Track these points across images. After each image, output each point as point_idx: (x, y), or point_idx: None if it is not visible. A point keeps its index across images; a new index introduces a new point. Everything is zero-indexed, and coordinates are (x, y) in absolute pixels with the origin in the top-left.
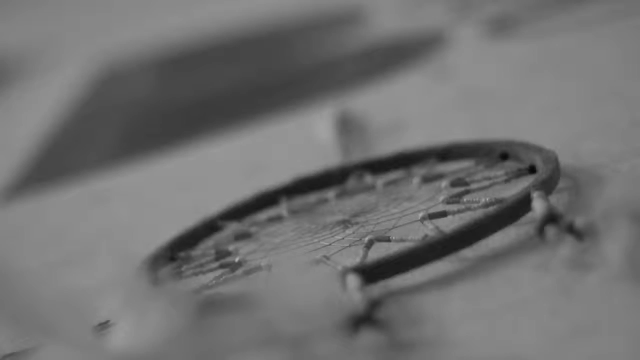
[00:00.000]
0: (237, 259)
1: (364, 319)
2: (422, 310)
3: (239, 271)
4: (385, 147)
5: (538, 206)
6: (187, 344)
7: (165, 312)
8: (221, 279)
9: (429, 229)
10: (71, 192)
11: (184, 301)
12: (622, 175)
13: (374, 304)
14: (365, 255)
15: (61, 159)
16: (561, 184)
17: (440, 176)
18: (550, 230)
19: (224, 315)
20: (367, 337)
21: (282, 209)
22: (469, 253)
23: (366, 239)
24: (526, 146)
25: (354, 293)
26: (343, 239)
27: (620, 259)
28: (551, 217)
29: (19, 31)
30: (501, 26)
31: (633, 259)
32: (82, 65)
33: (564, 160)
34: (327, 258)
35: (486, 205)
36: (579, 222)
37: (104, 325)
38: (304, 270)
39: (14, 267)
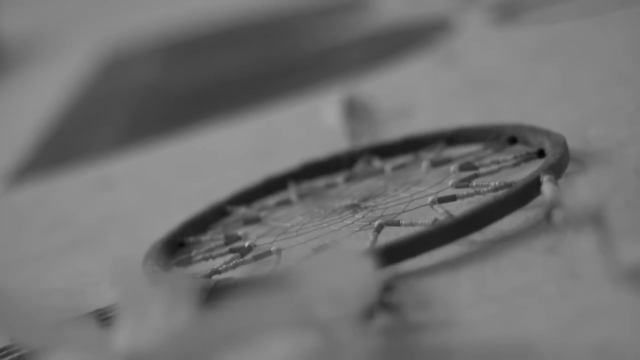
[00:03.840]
0: (246, 244)
1: (377, 302)
2: (432, 293)
3: (249, 256)
4: (393, 132)
5: (548, 190)
6: (190, 339)
7: (167, 308)
8: (231, 263)
9: (439, 213)
10: (77, 177)
11: (188, 290)
12: (583, 180)
13: (386, 288)
14: (375, 240)
15: (67, 144)
16: (569, 168)
17: (448, 160)
18: (559, 214)
19: (252, 298)
20: (380, 321)
21: (290, 193)
22: (478, 237)
23: (376, 223)
24: (534, 130)
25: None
26: (352, 223)
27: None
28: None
29: (25, 16)
30: (508, 12)
31: (601, 257)
32: (88, 50)
33: (572, 144)
34: (337, 242)
35: (495, 189)
36: (557, 215)
37: (103, 312)
38: (334, 253)
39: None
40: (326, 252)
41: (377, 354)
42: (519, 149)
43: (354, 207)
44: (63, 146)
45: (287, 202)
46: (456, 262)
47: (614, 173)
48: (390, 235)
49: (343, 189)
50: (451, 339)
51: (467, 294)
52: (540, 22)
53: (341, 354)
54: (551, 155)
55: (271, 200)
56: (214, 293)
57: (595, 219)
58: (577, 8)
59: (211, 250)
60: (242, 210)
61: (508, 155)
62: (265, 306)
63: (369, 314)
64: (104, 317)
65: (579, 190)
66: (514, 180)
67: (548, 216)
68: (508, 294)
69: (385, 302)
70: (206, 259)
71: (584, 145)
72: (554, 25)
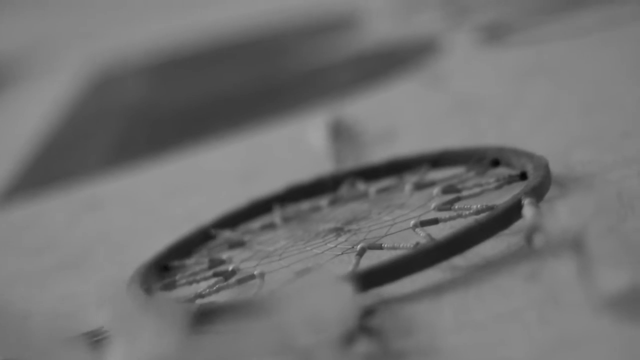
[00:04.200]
0: (230, 268)
1: (358, 327)
2: (414, 319)
3: (233, 280)
4: (378, 155)
5: (528, 213)
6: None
7: (157, 330)
8: (215, 287)
9: (421, 237)
10: (65, 197)
11: (176, 315)
12: (564, 205)
13: (367, 313)
14: (357, 263)
15: (55, 163)
16: (552, 192)
17: (432, 183)
18: (539, 238)
19: (234, 323)
20: (361, 346)
21: (275, 216)
22: (460, 262)
23: (358, 247)
24: (517, 152)
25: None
26: (335, 246)
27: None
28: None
29: (12, 34)
30: (495, 33)
31: (580, 284)
32: (76, 69)
33: (556, 168)
34: (319, 266)
35: (477, 212)
36: (538, 239)
37: (94, 334)
38: (314, 278)
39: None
40: (306, 277)
41: None
42: (502, 171)
43: (338, 231)
44: (51, 166)
45: (271, 226)
46: (438, 287)
47: (596, 198)
48: (372, 259)
49: (327, 212)
50: None
51: (448, 319)
52: (528, 43)
53: None
54: (533, 178)
55: (256, 224)
56: (197, 317)
57: (576, 245)
58: (564, 30)
59: (195, 274)
60: (227, 234)
61: (491, 178)
62: (246, 333)
63: (349, 339)
64: (94, 340)
65: (560, 215)
66: (495, 203)
67: (529, 240)
68: (489, 320)
69: (365, 327)
70: (190, 283)
71: (567, 170)
72: (540, 47)
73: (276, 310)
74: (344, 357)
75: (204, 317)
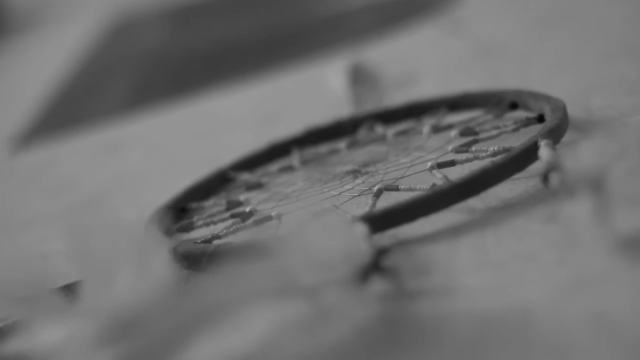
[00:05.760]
0: (248, 209)
1: (372, 267)
2: (431, 260)
3: (250, 221)
4: (397, 99)
5: (544, 154)
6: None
7: (139, 268)
8: (232, 228)
9: (438, 178)
10: (84, 140)
11: (161, 250)
12: (584, 146)
13: (382, 252)
14: (374, 204)
15: (74, 107)
16: (569, 135)
17: (450, 126)
18: (555, 179)
19: (239, 265)
20: (376, 285)
21: (293, 159)
22: (477, 204)
23: (375, 188)
24: (535, 95)
25: (362, 241)
26: (352, 188)
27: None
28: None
29: None
30: None
31: (597, 224)
32: (96, 14)
33: (574, 112)
34: (337, 207)
35: (494, 154)
36: (554, 179)
37: (70, 287)
38: (322, 219)
39: None
40: (315, 218)
41: (373, 321)
42: (520, 114)
43: (355, 173)
44: (70, 110)
45: (289, 168)
46: (455, 229)
47: (617, 140)
48: (389, 200)
49: (345, 155)
50: (449, 306)
51: (465, 260)
52: None
53: (330, 320)
54: (550, 120)
55: (274, 166)
56: (214, 257)
57: (595, 185)
58: None
59: (213, 215)
60: (245, 176)
61: (508, 121)
62: (249, 274)
63: (363, 278)
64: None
65: (580, 156)
66: (512, 145)
67: (545, 180)
68: (506, 260)
69: (380, 266)
70: (208, 224)
71: (585, 114)
72: None
73: (282, 250)
74: (358, 296)
75: (221, 257)
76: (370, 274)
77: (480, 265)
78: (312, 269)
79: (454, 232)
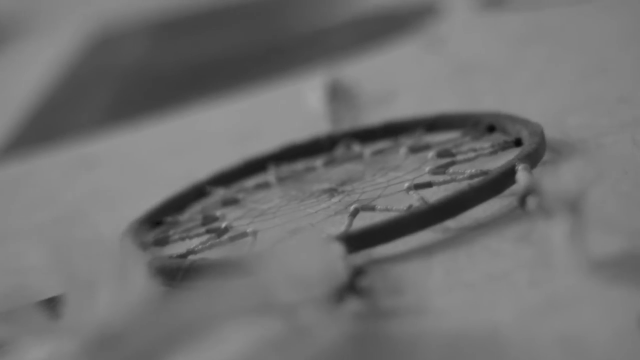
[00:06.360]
0: (223, 225)
1: (348, 287)
2: (404, 279)
3: (225, 237)
4: (375, 117)
5: (522, 178)
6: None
7: (118, 283)
8: (207, 244)
9: (414, 199)
10: (61, 155)
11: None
12: (563, 165)
13: (358, 273)
14: (350, 224)
15: (52, 121)
16: (546, 157)
17: (427, 147)
18: (532, 202)
19: (216, 280)
20: (351, 305)
21: (270, 175)
22: (452, 223)
23: (351, 208)
24: (513, 119)
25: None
26: (329, 207)
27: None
28: (534, 190)
29: None
30: None
31: (571, 247)
32: (76, 27)
33: (550, 133)
34: (313, 225)
35: (471, 176)
36: (531, 203)
37: (52, 301)
38: (299, 237)
39: None
40: (294, 235)
41: (347, 339)
42: (497, 137)
43: (331, 191)
44: (48, 124)
45: (265, 185)
46: (429, 248)
47: (595, 163)
48: (365, 220)
49: (322, 173)
50: (422, 325)
51: (438, 280)
52: (527, 8)
53: (306, 338)
54: (528, 145)
55: (250, 182)
56: (188, 273)
57: (572, 208)
58: None
59: (188, 230)
60: (221, 191)
61: (486, 143)
62: (226, 291)
63: (338, 298)
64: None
65: (558, 178)
66: (489, 168)
67: (522, 203)
68: (479, 281)
69: (355, 286)
70: (183, 238)
71: (562, 134)
72: (540, 12)
73: (259, 267)
74: (332, 315)
75: (195, 273)
76: (346, 294)
77: (453, 285)
78: (288, 287)
79: (427, 251)
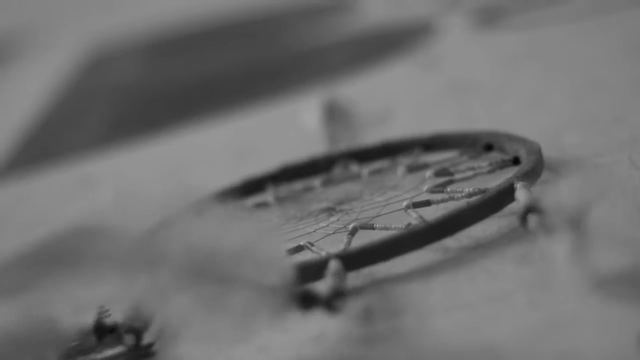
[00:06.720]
0: None
1: (324, 303)
2: (404, 300)
3: None
4: (372, 136)
5: (521, 196)
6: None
7: None
8: None
9: (413, 218)
10: (58, 175)
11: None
12: (565, 182)
13: (339, 294)
14: (349, 242)
15: (49, 141)
16: (544, 176)
17: (425, 166)
18: (533, 220)
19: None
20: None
21: (268, 195)
22: (451, 243)
23: (350, 226)
24: (510, 137)
25: (329, 277)
26: (327, 225)
27: (562, 262)
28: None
29: (8, 13)
30: (489, 17)
31: (572, 263)
32: (72, 48)
33: (547, 152)
34: (311, 244)
35: (469, 195)
36: (532, 221)
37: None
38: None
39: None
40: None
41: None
42: (495, 156)
43: (330, 210)
44: (45, 144)
45: (264, 204)
46: (429, 268)
47: (596, 181)
48: (364, 239)
49: (320, 192)
50: (420, 346)
51: (438, 301)
52: (521, 27)
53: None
54: (526, 163)
55: (249, 202)
56: None
57: (574, 226)
58: (558, 14)
59: None
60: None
61: (483, 162)
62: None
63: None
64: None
65: (559, 196)
66: (487, 186)
67: (523, 221)
68: (478, 302)
69: (332, 305)
70: None
71: (559, 153)
72: (534, 31)
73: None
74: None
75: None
76: (316, 306)
77: (452, 306)
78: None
79: (426, 271)
